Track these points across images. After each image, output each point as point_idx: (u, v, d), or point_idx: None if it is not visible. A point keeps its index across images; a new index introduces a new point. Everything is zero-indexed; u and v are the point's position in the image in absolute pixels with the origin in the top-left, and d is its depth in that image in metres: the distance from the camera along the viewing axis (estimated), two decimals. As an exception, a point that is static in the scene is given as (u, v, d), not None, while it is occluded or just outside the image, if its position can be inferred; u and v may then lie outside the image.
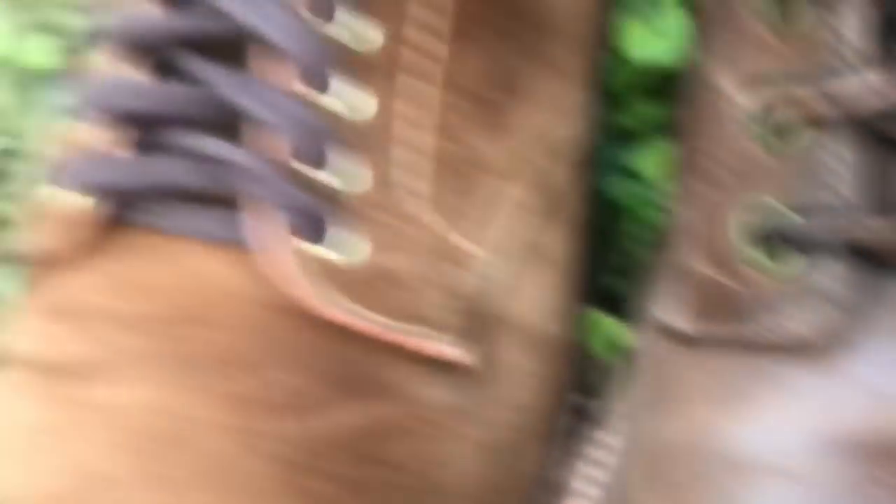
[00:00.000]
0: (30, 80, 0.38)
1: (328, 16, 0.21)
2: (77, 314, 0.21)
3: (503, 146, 0.24)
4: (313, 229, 0.21)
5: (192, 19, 0.21)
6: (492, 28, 0.23)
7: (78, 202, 0.22)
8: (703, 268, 0.23)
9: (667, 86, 0.31)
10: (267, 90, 0.21)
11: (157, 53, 0.22)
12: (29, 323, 0.22)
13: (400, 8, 0.22)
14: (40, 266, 0.23)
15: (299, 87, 0.21)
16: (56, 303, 0.22)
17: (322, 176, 0.21)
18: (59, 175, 0.22)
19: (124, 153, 0.21)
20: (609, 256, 0.31)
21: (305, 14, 0.21)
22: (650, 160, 0.31)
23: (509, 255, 0.24)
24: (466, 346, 0.22)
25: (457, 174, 0.23)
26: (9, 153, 0.36)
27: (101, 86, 0.22)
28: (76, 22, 0.39)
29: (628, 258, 0.30)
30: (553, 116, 0.25)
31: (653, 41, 0.30)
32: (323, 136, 0.21)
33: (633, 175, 0.31)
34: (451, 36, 0.22)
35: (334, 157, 0.21)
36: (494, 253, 0.23)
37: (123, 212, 0.22)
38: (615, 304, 0.29)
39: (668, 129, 0.30)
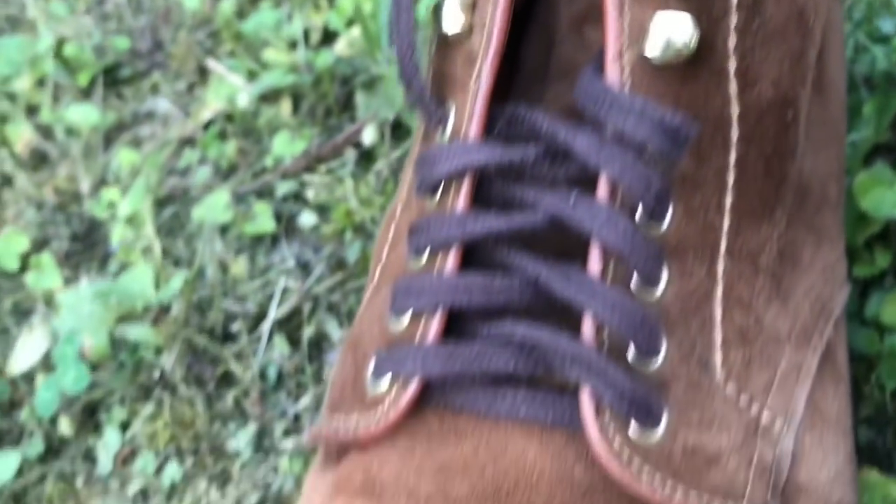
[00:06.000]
0: (253, 245, 0.41)
1: (660, 217, 0.21)
2: (383, 494, 0.22)
3: (786, 314, 0.23)
4: (638, 412, 0.21)
5: (517, 218, 0.22)
6: (770, 202, 0.23)
7: (391, 388, 0.22)
8: None
9: (893, 232, 0.32)
10: (602, 285, 0.21)
11: (468, 247, 0.22)
12: (334, 499, 0.22)
13: (690, 192, 0.22)
14: (347, 446, 0.23)
15: (635, 286, 0.21)
16: (361, 482, 0.22)
17: (648, 362, 0.21)
18: (376, 364, 0.23)
19: (436, 342, 0.22)
20: (862, 409, 0.31)
21: (641, 220, 0.21)
22: (890, 308, 0.31)
23: (795, 419, 0.23)
24: None
25: (744, 342, 0.22)
26: (233, 315, 0.37)
27: (409, 283, 0.23)
28: (288, 187, 0.43)
29: (881, 409, 0.31)
30: (823, 279, 0.25)
31: (892, 198, 0.31)
32: (655, 329, 0.21)
33: (875, 325, 0.31)
34: (730, 208, 0.22)
35: (662, 343, 0.21)
36: (783, 419, 0.23)
37: (433, 396, 0.22)
38: (874, 457, 0.29)
39: None
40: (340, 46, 0.52)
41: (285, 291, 0.40)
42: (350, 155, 0.45)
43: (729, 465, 0.21)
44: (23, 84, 0.57)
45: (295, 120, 0.49)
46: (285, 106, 0.49)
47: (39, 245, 0.46)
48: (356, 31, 0.52)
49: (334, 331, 0.39)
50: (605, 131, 0.21)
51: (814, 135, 0.26)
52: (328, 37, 0.53)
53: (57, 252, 0.46)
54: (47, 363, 0.39)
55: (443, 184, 0.23)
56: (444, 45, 0.23)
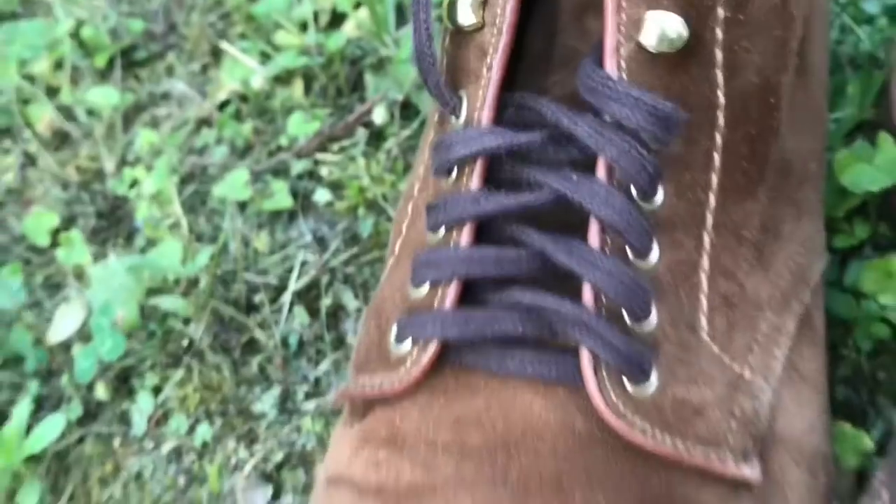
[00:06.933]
0: (271, 220, 0.44)
1: (652, 195, 0.24)
2: (405, 444, 0.24)
3: (767, 282, 0.26)
4: (631, 369, 0.23)
5: (524, 197, 0.24)
6: (753, 180, 0.25)
7: (412, 350, 0.25)
8: None
9: (871, 206, 0.34)
10: (600, 256, 0.23)
11: (481, 223, 0.25)
12: (359, 451, 0.25)
13: (679, 172, 0.24)
14: (372, 403, 0.26)
15: (629, 256, 0.24)
16: (385, 434, 0.25)
17: (641, 324, 0.23)
18: (398, 329, 0.25)
19: (452, 308, 0.24)
20: (840, 370, 0.33)
21: (636, 197, 0.24)
22: (868, 276, 0.33)
23: (773, 376, 0.25)
24: (752, 463, 0.24)
25: (727, 307, 0.25)
26: (256, 287, 0.40)
27: (428, 256, 0.25)
28: (303, 166, 0.46)
29: (857, 369, 0.33)
30: (803, 249, 0.28)
31: (871, 173, 0.33)
32: (647, 295, 0.23)
33: (853, 292, 0.33)
34: (716, 187, 0.25)
35: (653, 308, 0.23)
36: (763, 376, 0.25)
37: (449, 356, 0.24)
38: (851, 413, 0.32)
39: (877, 247, 0.34)
40: (349, 28, 0.54)
41: (303, 264, 0.42)
42: (361, 134, 0.48)
43: (713, 416, 0.24)
44: (41, 66, 0.59)
45: (307, 100, 0.51)
46: (297, 86, 0.51)
47: (67, 222, 0.49)
48: (363, 13, 0.54)
49: (350, 301, 0.41)
50: (603, 118, 0.24)
51: (796, 116, 0.29)
52: (336, 19, 0.55)
53: (84, 229, 0.48)
54: (82, 334, 0.41)
55: (457, 166, 0.25)
56: (458, 38, 0.25)
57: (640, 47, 0.23)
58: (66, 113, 0.56)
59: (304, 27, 0.55)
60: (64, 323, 0.39)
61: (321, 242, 0.44)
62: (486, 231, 0.25)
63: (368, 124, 0.48)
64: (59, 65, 0.59)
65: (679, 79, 0.24)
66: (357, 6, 0.54)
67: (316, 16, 0.54)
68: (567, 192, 0.24)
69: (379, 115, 0.47)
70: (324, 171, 0.47)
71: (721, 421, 0.24)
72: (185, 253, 0.40)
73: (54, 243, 0.48)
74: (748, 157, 0.26)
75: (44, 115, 0.56)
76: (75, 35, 0.59)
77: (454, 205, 0.25)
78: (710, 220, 0.25)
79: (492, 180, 0.25)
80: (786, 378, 0.26)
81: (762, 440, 0.25)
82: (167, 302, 0.38)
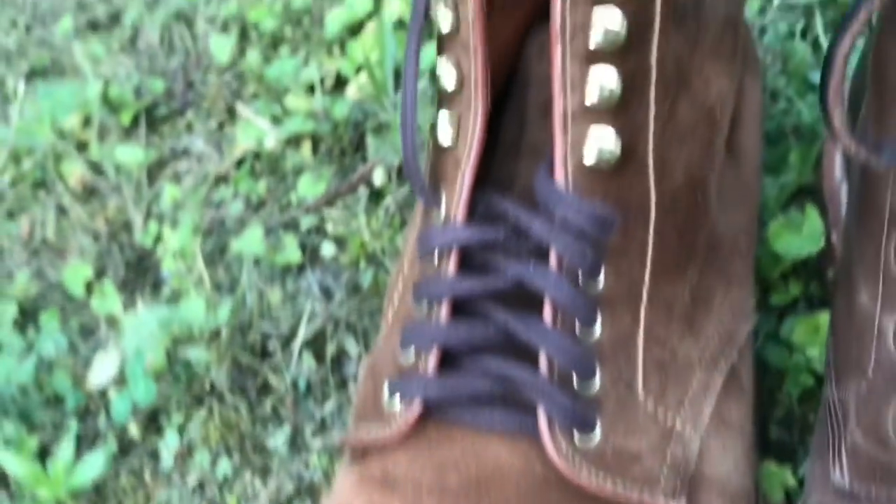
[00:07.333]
0: (283, 272, 0.50)
1: (595, 279, 0.29)
2: (396, 485, 0.29)
3: (697, 346, 0.31)
4: (579, 425, 0.28)
5: (491, 281, 0.29)
6: (682, 263, 0.30)
7: (401, 407, 0.30)
8: (865, 443, 0.29)
9: (806, 267, 0.40)
10: (553, 332, 0.29)
11: (457, 301, 0.30)
12: (358, 492, 0.30)
13: (618, 259, 0.29)
14: (368, 449, 0.31)
15: (577, 330, 0.29)
16: (380, 476, 0.30)
17: (587, 386, 0.29)
18: (390, 389, 0.30)
19: (433, 374, 0.30)
20: (775, 412, 0.38)
21: (581, 281, 0.29)
22: (798, 330, 0.38)
23: (701, 425, 0.31)
24: (680, 501, 0.29)
25: (660, 370, 0.30)
26: (269, 336, 0.46)
27: (414, 327, 0.30)
28: (310, 221, 0.51)
29: (790, 413, 0.38)
30: (731, 315, 0.32)
31: (799, 241, 0.38)
32: (592, 362, 0.29)
33: (786, 344, 0.39)
34: (649, 270, 0.30)
35: (597, 372, 0.29)
36: (692, 426, 0.30)
37: (432, 412, 0.30)
38: (783, 451, 0.37)
39: (810, 303, 0.39)
40: (351, 91, 0.60)
41: (311, 314, 0.48)
42: (362, 192, 0.53)
43: (647, 461, 0.29)
44: (71, 122, 0.65)
45: (315, 159, 0.56)
46: (306, 147, 0.57)
47: (98, 273, 0.54)
48: (364, 77, 0.59)
49: (352, 347, 0.46)
50: (554, 218, 0.29)
51: (727, 197, 0.34)
52: (340, 82, 0.60)
53: (114, 278, 0.54)
54: (116, 378, 0.47)
55: (437, 254, 0.30)
56: (439, 151, 0.31)
57: (583, 163, 0.29)
58: (95, 168, 0.61)
59: (311, 89, 0.60)
60: (102, 369, 0.44)
61: (327, 293, 0.49)
62: (461, 306, 0.30)
63: (369, 184, 0.53)
64: (87, 121, 0.64)
65: (616, 185, 0.29)
66: (359, 70, 0.60)
67: (322, 79, 0.60)
68: (525, 278, 0.29)
69: (378, 178, 0.53)
70: (329, 226, 0.52)
71: (654, 465, 0.29)
72: (208, 306, 0.46)
73: (88, 292, 0.53)
74: (678, 243, 0.31)
75: (75, 171, 0.62)
76: (102, 94, 0.65)
77: (435, 285, 0.30)
78: (644, 297, 0.30)
79: (466, 265, 0.30)
80: (713, 427, 0.31)
81: (690, 480, 0.30)
82: (193, 353, 0.43)
